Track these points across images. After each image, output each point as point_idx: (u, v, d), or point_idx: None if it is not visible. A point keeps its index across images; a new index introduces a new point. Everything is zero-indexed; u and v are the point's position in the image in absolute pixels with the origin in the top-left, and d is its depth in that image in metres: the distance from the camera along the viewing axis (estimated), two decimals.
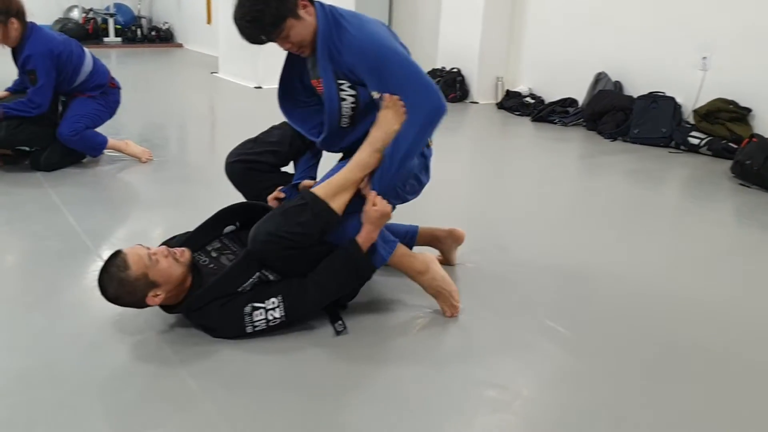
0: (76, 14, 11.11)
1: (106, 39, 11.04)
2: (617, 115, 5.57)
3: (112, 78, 4.18)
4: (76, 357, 2.03)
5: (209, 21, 10.30)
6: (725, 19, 5.16)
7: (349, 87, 2.24)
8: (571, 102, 6.24)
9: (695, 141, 5.09)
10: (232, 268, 2.14)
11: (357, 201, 2.21)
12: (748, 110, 5.04)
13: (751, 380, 2.07)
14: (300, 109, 2.45)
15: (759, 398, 1.98)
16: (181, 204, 3.52)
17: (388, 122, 2.18)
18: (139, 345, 2.11)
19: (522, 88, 6.88)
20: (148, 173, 4.07)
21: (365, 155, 2.20)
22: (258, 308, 2.11)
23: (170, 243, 2.33)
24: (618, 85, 5.94)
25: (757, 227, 3.57)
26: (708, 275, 2.88)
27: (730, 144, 4.89)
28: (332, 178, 2.20)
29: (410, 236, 2.70)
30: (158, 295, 2.06)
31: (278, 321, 2.14)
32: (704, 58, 5.30)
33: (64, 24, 10.51)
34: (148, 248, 2.09)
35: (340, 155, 2.49)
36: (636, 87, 5.79)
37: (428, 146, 2.36)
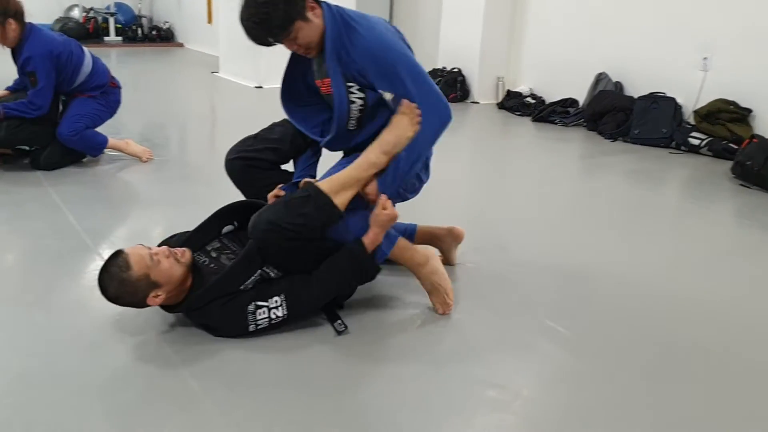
0: (76, 13, 11.10)
1: (106, 38, 11.03)
2: (618, 115, 5.57)
3: (113, 77, 4.17)
4: (76, 356, 2.03)
5: (210, 20, 10.29)
6: (726, 19, 5.16)
7: (357, 89, 2.24)
8: (571, 102, 6.24)
9: (696, 141, 5.09)
10: (234, 266, 2.14)
11: (359, 199, 2.22)
12: (749, 111, 5.04)
13: (751, 381, 2.07)
14: (302, 108, 2.45)
15: (759, 399, 1.97)
16: (181, 203, 3.52)
17: (402, 128, 2.20)
18: (139, 344, 2.11)
19: (523, 88, 6.88)
20: (149, 172, 4.07)
21: (373, 156, 2.20)
22: (261, 306, 2.11)
23: (169, 242, 2.33)
24: (618, 86, 5.94)
25: (757, 228, 3.57)
26: (708, 276, 2.88)
27: (731, 144, 4.89)
28: (337, 174, 2.20)
29: (409, 234, 2.70)
30: (159, 295, 2.06)
31: (280, 319, 2.14)
32: (705, 58, 5.30)
33: (65, 23, 10.50)
34: (150, 248, 2.09)
35: (341, 153, 2.50)
36: (636, 87, 5.79)
37: None
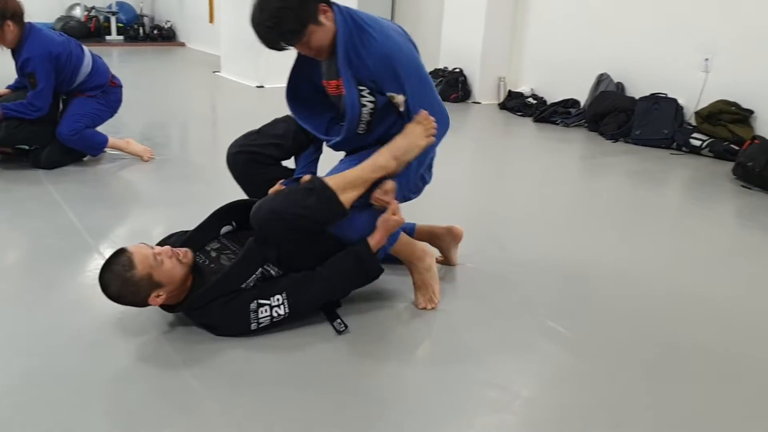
0: (78, 12, 11.11)
1: (108, 37, 11.03)
2: (619, 116, 5.57)
3: (113, 76, 4.17)
4: (77, 356, 2.03)
5: (211, 20, 10.30)
6: (727, 20, 5.16)
7: (368, 93, 2.24)
8: (573, 103, 6.24)
9: (697, 142, 5.09)
10: (234, 266, 2.14)
11: (361, 199, 2.22)
12: (750, 112, 5.04)
13: (752, 380, 2.06)
14: (307, 107, 2.45)
15: (759, 399, 1.97)
16: (182, 202, 3.52)
17: (415, 136, 2.22)
18: (140, 344, 2.11)
19: (524, 88, 6.88)
20: (150, 172, 4.07)
21: (383, 159, 2.21)
22: (263, 305, 2.11)
23: (167, 242, 2.33)
24: (620, 87, 5.94)
25: (758, 229, 3.56)
26: (709, 276, 2.87)
27: (732, 146, 4.89)
28: (345, 172, 2.20)
29: (408, 233, 2.70)
30: (160, 295, 2.06)
31: (282, 317, 2.14)
32: (706, 59, 5.29)
33: (66, 22, 10.51)
34: (153, 247, 2.08)
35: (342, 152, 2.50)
36: (638, 88, 5.79)
37: None
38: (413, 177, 2.33)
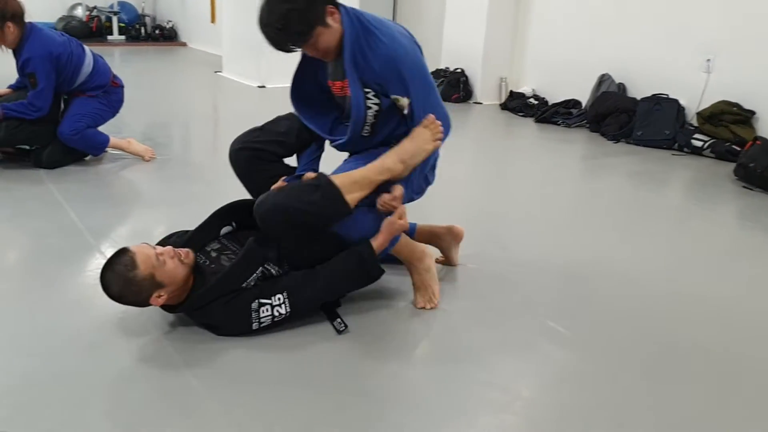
0: (79, 12, 11.11)
1: (109, 37, 11.03)
2: (620, 116, 5.57)
3: (115, 76, 4.16)
4: (78, 356, 2.03)
5: (213, 20, 10.30)
6: (729, 21, 5.15)
7: (373, 95, 2.25)
8: (574, 103, 6.23)
9: (698, 143, 5.08)
10: (234, 265, 2.14)
11: (366, 199, 2.22)
12: (752, 113, 5.03)
13: (753, 381, 2.06)
14: (312, 107, 2.45)
15: (760, 399, 1.97)
16: (183, 202, 3.52)
17: (423, 140, 2.24)
18: (141, 344, 2.11)
19: (526, 89, 6.88)
20: (151, 171, 4.08)
21: (389, 162, 2.21)
22: (264, 304, 2.11)
23: (167, 242, 2.32)
24: (622, 87, 5.94)
25: (760, 230, 3.56)
26: (710, 277, 2.87)
27: (734, 146, 4.88)
28: (351, 172, 2.20)
29: (408, 233, 2.70)
30: (162, 295, 2.06)
31: (283, 316, 2.15)
32: (708, 60, 5.29)
33: (68, 22, 10.52)
34: (155, 248, 2.08)
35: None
36: (640, 89, 5.78)
37: None
38: (417, 179, 2.34)
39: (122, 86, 4.22)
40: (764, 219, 3.70)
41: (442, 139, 2.30)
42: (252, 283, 2.14)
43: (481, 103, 7.01)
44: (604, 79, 6.00)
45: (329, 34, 2.14)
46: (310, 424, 1.76)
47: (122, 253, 2.03)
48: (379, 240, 2.25)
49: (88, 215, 3.19)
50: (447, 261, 2.77)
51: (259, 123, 2.53)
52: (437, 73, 7.11)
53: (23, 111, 3.78)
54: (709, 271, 2.94)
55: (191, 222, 2.44)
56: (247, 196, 2.52)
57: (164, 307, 2.14)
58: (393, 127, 2.33)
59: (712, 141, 5.02)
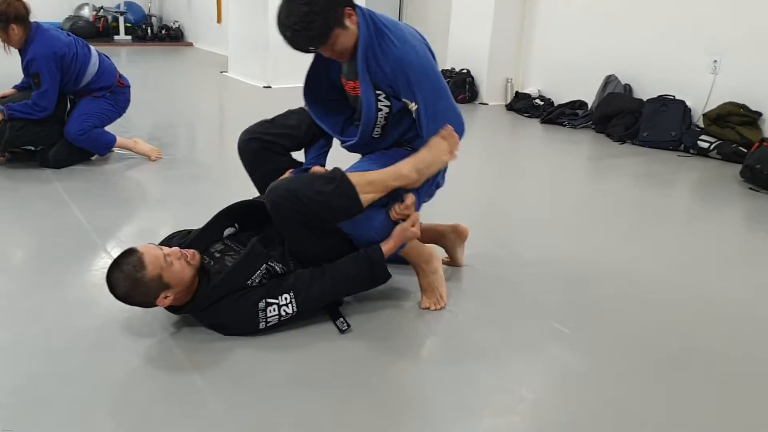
0: (86, 12, 11.15)
1: (116, 37, 11.07)
2: (626, 117, 5.56)
3: (121, 76, 4.18)
4: (83, 355, 2.03)
5: (219, 20, 10.32)
6: (736, 22, 5.14)
7: (384, 98, 2.26)
8: (580, 104, 6.22)
9: (705, 145, 5.06)
10: (239, 262, 2.14)
11: (377, 202, 2.23)
12: (759, 114, 5.01)
13: (761, 384, 2.05)
14: (324, 106, 2.47)
15: None
16: (189, 202, 3.53)
17: (440, 151, 2.25)
18: (147, 343, 2.11)
19: (531, 89, 6.87)
20: (157, 171, 4.09)
21: (405, 170, 2.22)
22: (271, 304, 2.12)
23: (170, 242, 2.32)
24: (628, 88, 5.92)
25: (766, 231, 3.55)
26: (717, 279, 2.86)
27: (740, 148, 4.86)
28: (367, 172, 2.21)
29: None
30: (168, 296, 2.06)
31: (290, 316, 2.15)
32: (715, 61, 5.28)
33: (75, 22, 10.56)
34: (162, 248, 2.09)
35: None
36: (646, 90, 5.77)
37: None
38: (429, 184, 2.35)
39: (128, 86, 4.23)
40: None
41: (461, 138, 2.30)
42: (257, 280, 2.15)
43: (486, 104, 7.00)
44: (610, 80, 5.99)
45: (346, 36, 2.16)
46: (315, 424, 1.76)
47: (130, 253, 2.03)
48: (389, 245, 2.26)
49: (94, 214, 3.20)
50: (452, 261, 2.77)
51: None
52: (443, 73, 7.06)
53: (28, 111, 3.79)
54: (715, 272, 2.93)
55: (197, 222, 2.44)
56: (252, 194, 2.53)
57: (169, 308, 2.15)
58: (404, 130, 2.35)
59: (718, 142, 5.00)
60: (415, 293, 2.49)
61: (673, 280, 2.81)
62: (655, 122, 5.35)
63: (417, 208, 2.34)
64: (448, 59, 7.34)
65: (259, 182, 2.49)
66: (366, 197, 2.16)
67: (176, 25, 11.77)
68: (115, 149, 4.21)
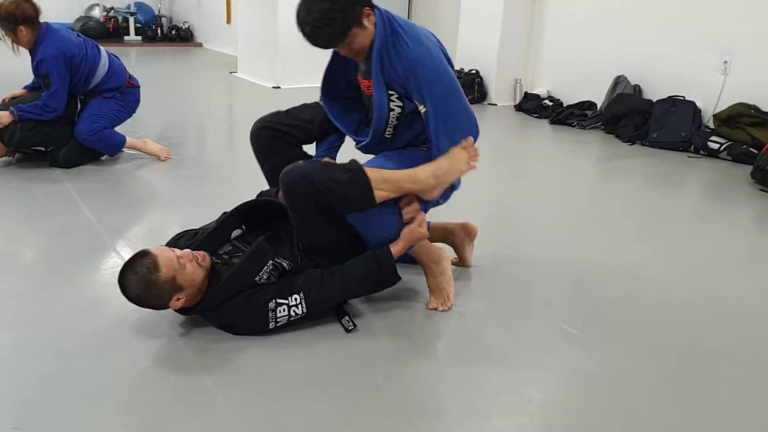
0: (97, 13, 11.21)
1: (126, 38, 11.13)
2: (636, 118, 5.54)
3: (131, 77, 4.19)
4: (93, 355, 2.04)
5: (229, 21, 10.35)
6: (746, 22, 5.11)
7: (396, 98, 2.27)
8: (589, 105, 6.21)
9: (715, 146, 5.04)
10: (246, 259, 2.15)
11: (389, 202, 2.23)
12: None
13: None
14: (339, 103, 2.49)
15: None
16: (198, 202, 3.54)
17: (459, 160, 2.26)
18: (156, 344, 2.12)
19: (541, 90, 6.86)
20: (166, 171, 4.10)
21: (423, 175, 2.23)
22: (281, 304, 2.12)
23: (177, 242, 2.33)
24: (637, 89, 5.90)
25: None
26: (727, 279, 2.85)
27: (751, 149, 4.84)
28: (385, 170, 2.21)
29: None
30: (180, 298, 2.07)
31: (299, 316, 2.16)
32: (725, 61, 5.25)
33: (85, 22, 10.61)
34: (174, 250, 2.09)
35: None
36: (655, 91, 5.75)
37: None
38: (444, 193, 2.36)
39: (138, 87, 4.25)
40: None
41: (475, 141, 2.31)
42: (264, 277, 2.15)
43: (495, 105, 6.99)
44: (619, 80, 5.97)
45: (364, 35, 2.17)
46: (323, 424, 1.76)
47: (143, 255, 2.02)
48: (398, 246, 2.26)
49: (104, 214, 3.21)
50: (461, 260, 2.77)
51: None
52: None
53: (38, 112, 3.81)
54: (725, 273, 2.92)
55: (206, 222, 2.46)
56: (262, 189, 2.54)
57: (179, 309, 2.15)
58: (417, 132, 2.36)
59: (728, 143, 4.98)
60: (424, 293, 2.49)
61: (682, 280, 2.80)
62: (665, 123, 5.33)
63: (426, 210, 2.34)
64: (457, 60, 7.33)
65: (269, 172, 2.51)
66: (379, 194, 2.16)
67: (186, 25, 11.81)
68: (125, 149, 4.23)
